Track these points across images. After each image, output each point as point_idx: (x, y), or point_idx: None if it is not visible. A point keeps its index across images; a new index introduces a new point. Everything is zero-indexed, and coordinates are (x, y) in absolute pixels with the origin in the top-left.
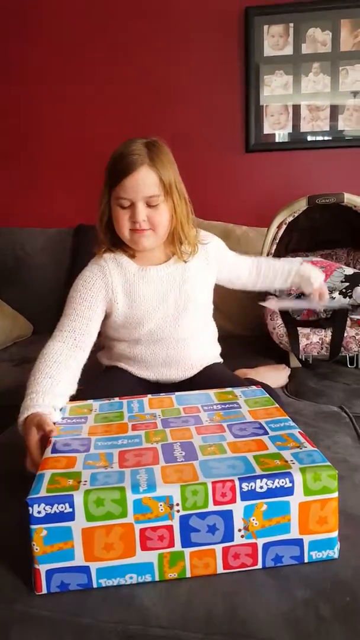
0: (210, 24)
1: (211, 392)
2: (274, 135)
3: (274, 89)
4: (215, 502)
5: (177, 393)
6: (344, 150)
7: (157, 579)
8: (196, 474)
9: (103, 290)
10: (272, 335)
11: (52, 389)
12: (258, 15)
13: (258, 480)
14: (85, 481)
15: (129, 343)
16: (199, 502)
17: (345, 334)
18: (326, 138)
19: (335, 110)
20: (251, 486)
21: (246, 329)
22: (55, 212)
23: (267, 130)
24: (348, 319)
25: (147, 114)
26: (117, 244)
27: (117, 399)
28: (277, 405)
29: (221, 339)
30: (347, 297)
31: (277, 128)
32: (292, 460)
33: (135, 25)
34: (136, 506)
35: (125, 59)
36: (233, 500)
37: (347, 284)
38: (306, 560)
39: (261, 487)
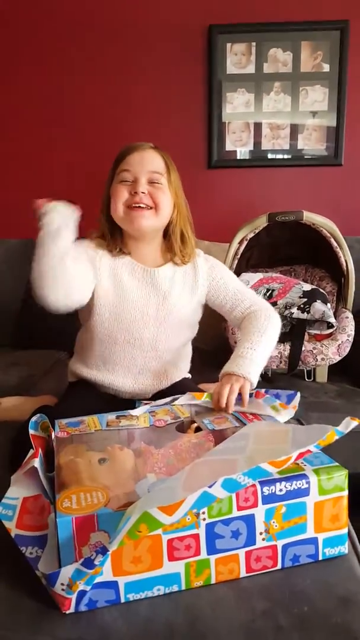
0: (174, 41)
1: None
2: (235, 152)
3: (236, 106)
4: (239, 508)
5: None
6: (303, 169)
7: (183, 588)
8: None
9: (91, 259)
10: (234, 348)
11: None
12: (221, 33)
13: (278, 484)
14: None
15: (107, 344)
16: (224, 509)
17: (303, 348)
18: (286, 156)
19: (295, 129)
20: (271, 489)
21: (207, 342)
22: (16, 222)
23: (229, 147)
24: (306, 333)
25: (109, 128)
26: (114, 238)
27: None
28: None
29: None
30: (305, 312)
31: (238, 145)
32: (302, 463)
33: (98, 40)
34: None
35: (87, 73)
36: (255, 505)
37: (305, 299)
38: (320, 558)
39: (280, 490)
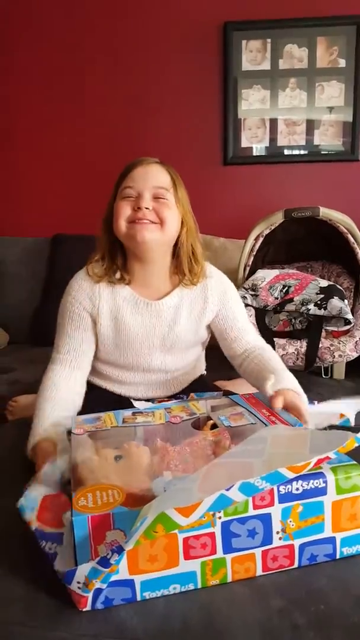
0: (190, 38)
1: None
2: (251, 148)
3: (252, 103)
4: (255, 507)
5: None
6: (320, 164)
7: (199, 586)
8: None
9: (89, 307)
10: None
11: (53, 413)
12: (237, 30)
13: (294, 482)
14: None
15: (115, 367)
16: (239, 508)
17: (320, 345)
18: (302, 152)
19: (311, 125)
20: (288, 488)
21: None
22: (32, 221)
23: (244, 143)
24: (323, 330)
25: (126, 126)
26: (115, 261)
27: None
28: None
29: None
30: (322, 309)
31: (254, 141)
32: None
33: (114, 39)
34: None
35: (102, 72)
36: (271, 503)
37: (322, 295)
38: (338, 557)
39: (297, 489)
